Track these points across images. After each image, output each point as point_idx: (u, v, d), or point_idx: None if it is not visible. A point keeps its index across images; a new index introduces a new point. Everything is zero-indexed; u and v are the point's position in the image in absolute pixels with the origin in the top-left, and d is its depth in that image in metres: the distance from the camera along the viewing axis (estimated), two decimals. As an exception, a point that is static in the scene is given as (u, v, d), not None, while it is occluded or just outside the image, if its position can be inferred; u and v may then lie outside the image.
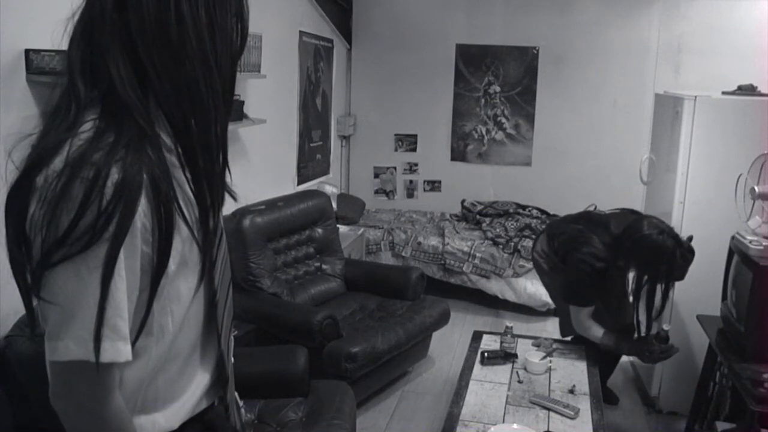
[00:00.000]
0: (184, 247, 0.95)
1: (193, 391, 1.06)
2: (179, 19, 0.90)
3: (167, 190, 0.89)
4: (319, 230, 3.89)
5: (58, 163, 0.83)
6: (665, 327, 2.80)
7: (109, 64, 0.89)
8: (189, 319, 1.01)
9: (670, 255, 2.63)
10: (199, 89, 0.93)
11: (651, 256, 2.66)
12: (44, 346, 0.87)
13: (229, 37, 0.97)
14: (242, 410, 1.34)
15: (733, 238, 2.64)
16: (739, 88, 3.29)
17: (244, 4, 1.00)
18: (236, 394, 1.31)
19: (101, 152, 0.83)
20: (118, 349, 0.86)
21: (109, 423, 0.90)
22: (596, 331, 2.88)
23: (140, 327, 0.92)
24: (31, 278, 0.85)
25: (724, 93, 3.26)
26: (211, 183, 0.97)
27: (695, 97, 3.05)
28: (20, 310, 1.91)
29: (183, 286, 0.97)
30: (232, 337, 1.17)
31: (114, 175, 0.83)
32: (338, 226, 4.27)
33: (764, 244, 2.44)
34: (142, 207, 0.86)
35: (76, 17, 0.93)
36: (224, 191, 1.04)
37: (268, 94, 3.98)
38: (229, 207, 2.37)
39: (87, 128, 0.86)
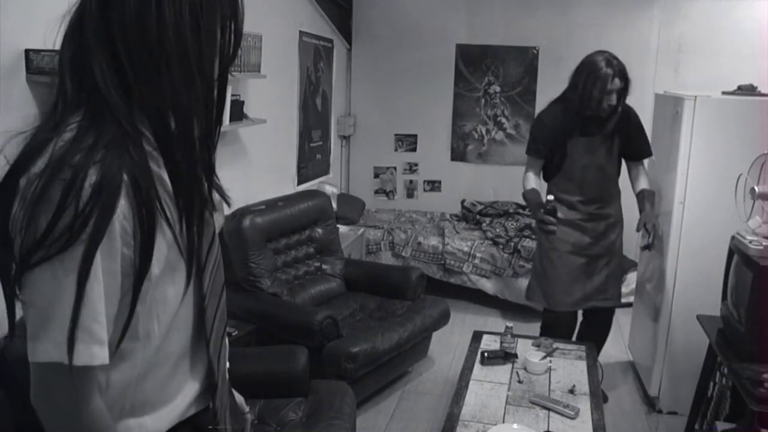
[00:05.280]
0: (169, 251, 0.93)
1: (182, 397, 1.05)
2: (160, 19, 0.88)
3: (149, 190, 0.88)
4: (319, 230, 3.89)
5: (40, 164, 0.83)
6: (549, 197, 2.98)
7: (93, 64, 0.89)
8: (177, 324, 1.00)
9: (593, 68, 2.93)
10: (178, 92, 0.91)
11: (581, 68, 3.00)
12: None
13: (216, 39, 0.95)
14: (248, 415, 1.32)
15: (733, 238, 2.64)
16: (739, 88, 3.29)
17: (238, 7, 0.98)
18: (242, 399, 1.30)
19: (80, 154, 0.83)
20: (92, 352, 0.85)
21: (86, 426, 0.89)
22: (528, 184, 3.19)
23: (123, 330, 0.90)
24: (12, 279, 0.85)
25: (724, 93, 3.25)
26: (192, 185, 0.95)
27: (695, 97, 3.05)
28: (20, 310, 1.91)
29: (170, 290, 0.96)
30: (226, 342, 1.15)
31: (92, 176, 0.82)
32: (338, 226, 4.27)
33: (764, 244, 2.44)
34: (122, 209, 0.85)
35: (70, 15, 0.93)
36: (212, 195, 1.02)
37: (268, 94, 3.98)
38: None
39: (70, 128, 0.86)
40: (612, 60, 2.96)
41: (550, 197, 2.99)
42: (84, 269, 0.82)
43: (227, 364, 1.17)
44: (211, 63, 0.95)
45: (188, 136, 0.94)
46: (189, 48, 0.91)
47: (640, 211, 3.11)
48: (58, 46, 0.96)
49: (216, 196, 1.07)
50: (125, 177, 0.85)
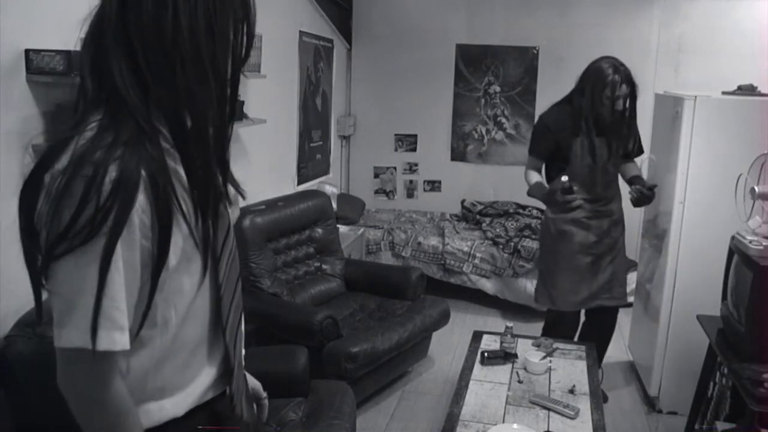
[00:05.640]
0: (185, 242, 0.98)
1: (200, 382, 1.09)
2: (175, 22, 0.93)
3: (165, 185, 0.92)
4: (319, 230, 3.89)
5: (63, 161, 0.88)
6: (563, 179, 3.00)
7: (111, 65, 0.93)
8: (194, 312, 1.04)
9: (600, 74, 2.99)
10: (192, 91, 0.95)
11: (587, 74, 3.05)
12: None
13: (228, 41, 0.99)
14: (265, 401, 1.35)
15: (733, 238, 2.64)
16: (739, 88, 3.29)
17: (251, 10, 1.03)
18: (259, 384, 1.35)
19: (101, 151, 0.88)
20: (113, 338, 0.90)
21: (108, 408, 0.94)
22: (531, 179, 3.23)
23: (142, 318, 0.95)
24: (38, 270, 0.90)
25: (724, 93, 3.25)
26: (206, 180, 0.99)
27: (695, 97, 3.05)
28: (20, 310, 1.91)
29: (186, 280, 1.00)
30: (242, 330, 1.20)
31: (112, 172, 0.87)
32: (338, 226, 4.27)
33: (764, 244, 2.44)
34: (140, 203, 0.89)
35: (91, 18, 0.97)
36: (227, 189, 1.07)
37: (268, 94, 3.98)
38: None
39: (91, 127, 0.91)
40: (618, 66, 3.01)
41: (564, 178, 3.00)
42: (105, 260, 0.87)
43: (243, 352, 1.22)
44: (224, 63, 0.99)
45: (203, 133, 0.98)
46: (203, 50, 0.95)
47: (635, 185, 3.11)
48: (68, 47, 0.99)
49: (231, 190, 1.11)
50: (143, 173, 0.90)
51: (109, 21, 0.93)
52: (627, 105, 3.03)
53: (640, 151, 3.29)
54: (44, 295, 0.93)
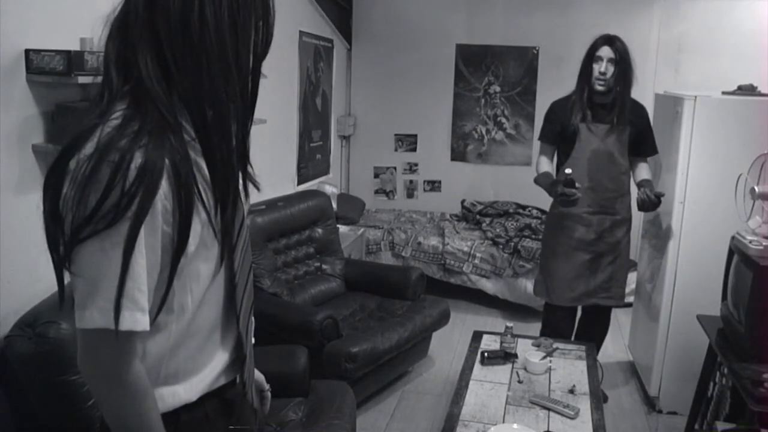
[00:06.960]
0: (203, 230, 1.01)
1: (212, 368, 1.11)
2: (202, 20, 0.96)
3: (187, 174, 0.95)
4: (319, 230, 3.89)
5: (89, 148, 0.91)
6: (567, 171, 3.01)
7: (138, 59, 0.97)
8: (209, 299, 1.07)
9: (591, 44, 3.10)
10: (216, 86, 0.99)
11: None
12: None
13: (250, 37, 1.03)
14: (268, 393, 1.37)
15: (733, 238, 2.64)
16: (739, 88, 3.29)
17: (270, 9, 1.06)
18: (263, 377, 1.36)
19: (127, 139, 0.91)
20: (135, 318, 0.93)
21: (128, 387, 0.96)
22: (541, 168, 3.25)
23: (161, 303, 0.99)
24: (62, 253, 0.92)
25: (724, 93, 3.25)
26: (227, 172, 1.03)
27: (695, 97, 3.05)
28: (20, 310, 1.91)
29: (203, 267, 1.04)
30: (252, 319, 1.22)
31: (137, 159, 0.90)
32: (338, 226, 4.27)
33: (764, 244, 2.44)
34: (163, 189, 0.93)
35: (116, 14, 1.00)
36: (245, 182, 1.11)
37: (268, 94, 3.96)
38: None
39: (116, 116, 0.94)
40: (609, 34, 3.08)
41: (568, 170, 3.00)
42: (129, 243, 0.90)
43: (253, 341, 1.24)
44: (246, 59, 1.03)
45: (224, 126, 1.02)
46: (227, 47, 0.99)
47: (643, 188, 3.10)
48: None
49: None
50: (166, 161, 0.93)
51: (136, 16, 0.97)
52: (614, 73, 3.04)
53: (654, 151, 3.27)
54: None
